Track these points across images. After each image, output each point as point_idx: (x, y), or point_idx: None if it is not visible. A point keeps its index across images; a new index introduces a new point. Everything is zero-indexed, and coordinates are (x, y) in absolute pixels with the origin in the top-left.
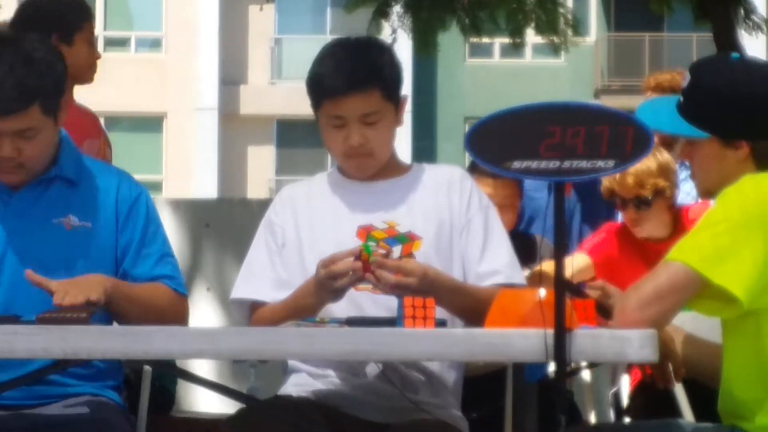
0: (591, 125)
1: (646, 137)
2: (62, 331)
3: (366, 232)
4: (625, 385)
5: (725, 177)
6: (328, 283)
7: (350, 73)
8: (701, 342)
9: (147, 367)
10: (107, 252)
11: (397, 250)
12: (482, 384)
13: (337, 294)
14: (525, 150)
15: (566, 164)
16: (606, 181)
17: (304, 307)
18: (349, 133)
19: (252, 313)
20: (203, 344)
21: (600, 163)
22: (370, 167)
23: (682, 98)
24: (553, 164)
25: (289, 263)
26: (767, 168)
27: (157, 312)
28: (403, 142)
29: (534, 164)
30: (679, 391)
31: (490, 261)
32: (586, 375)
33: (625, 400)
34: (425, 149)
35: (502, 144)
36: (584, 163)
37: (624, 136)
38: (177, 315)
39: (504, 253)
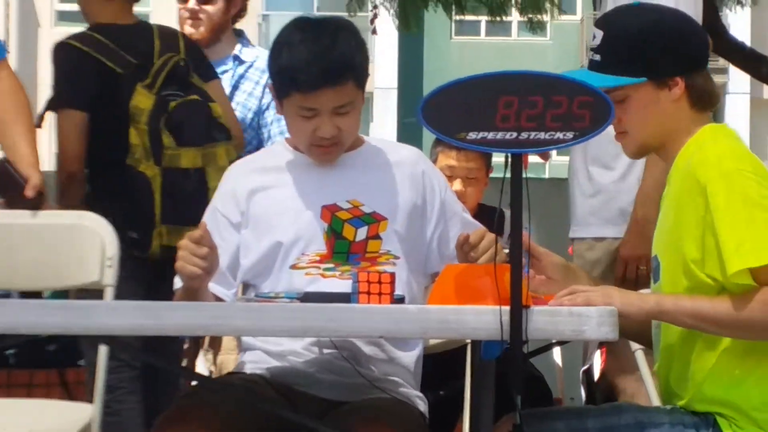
0: (549, 95)
1: (606, 108)
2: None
3: (330, 213)
4: (597, 363)
5: (662, 124)
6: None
7: (325, 68)
8: None
9: (103, 346)
10: None
11: (363, 232)
12: (449, 362)
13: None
14: (481, 121)
15: (524, 135)
16: None
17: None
18: (320, 125)
19: None
20: (145, 320)
21: (559, 135)
22: (336, 155)
23: (598, 56)
24: (510, 135)
25: (247, 243)
26: (701, 105)
27: None
28: (389, 120)
29: (490, 135)
30: (646, 376)
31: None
32: (556, 354)
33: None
34: (412, 126)
35: (458, 115)
36: (542, 135)
37: (584, 107)
38: None
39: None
